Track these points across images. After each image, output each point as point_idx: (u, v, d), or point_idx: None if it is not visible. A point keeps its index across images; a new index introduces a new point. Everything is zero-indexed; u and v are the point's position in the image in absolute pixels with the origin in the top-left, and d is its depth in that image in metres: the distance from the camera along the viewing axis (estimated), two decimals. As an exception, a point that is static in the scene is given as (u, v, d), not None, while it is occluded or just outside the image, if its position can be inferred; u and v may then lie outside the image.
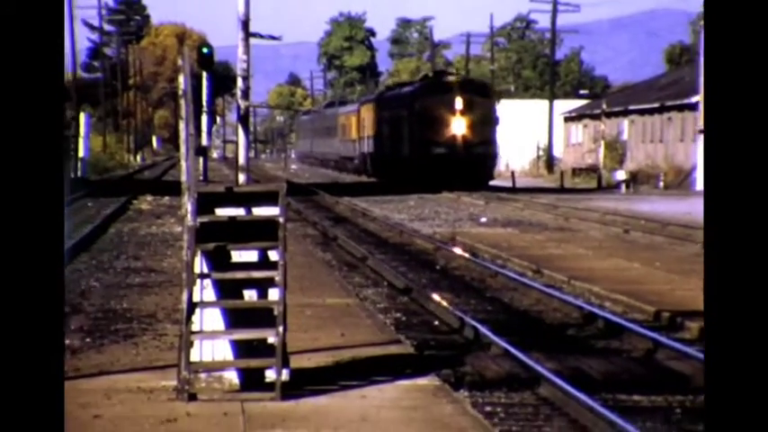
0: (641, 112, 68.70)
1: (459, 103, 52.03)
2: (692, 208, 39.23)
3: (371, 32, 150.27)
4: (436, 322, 14.96)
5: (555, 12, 75.87)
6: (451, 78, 56.33)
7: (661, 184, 58.76)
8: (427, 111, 52.64)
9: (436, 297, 16.69)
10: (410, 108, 54.37)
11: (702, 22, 65.10)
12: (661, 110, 65.64)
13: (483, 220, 32.98)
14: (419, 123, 52.79)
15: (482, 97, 53.44)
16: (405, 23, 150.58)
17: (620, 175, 58.22)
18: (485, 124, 52.45)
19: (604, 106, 68.73)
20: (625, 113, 70.30)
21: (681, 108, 62.99)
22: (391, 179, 57.25)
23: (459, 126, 51.88)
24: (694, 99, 60.72)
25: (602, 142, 66.18)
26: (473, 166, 51.25)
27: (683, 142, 62.52)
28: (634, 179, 57.84)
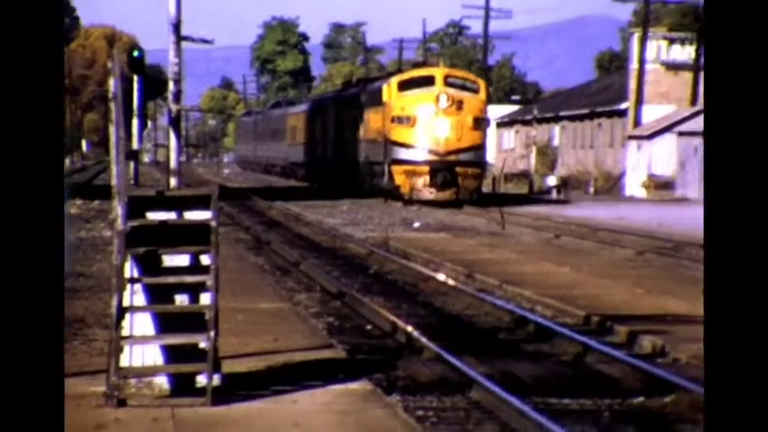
0: (572, 118, 69.29)
1: (443, 100, 42.63)
2: (621, 213, 39.65)
3: (304, 37, 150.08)
4: (369, 326, 14.96)
5: (487, 18, 76.33)
6: (435, 70, 45.29)
7: (591, 189, 59.29)
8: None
9: (369, 301, 16.68)
10: (382, 105, 44.50)
11: (632, 29, 65.78)
12: (591, 116, 66.25)
13: (416, 224, 33.07)
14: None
15: (472, 93, 43.59)
16: (338, 28, 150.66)
17: (552, 180, 58.68)
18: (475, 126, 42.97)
19: (536, 112, 69.26)
20: (556, 119, 70.87)
21: (610, 114, 63.61)
22: (345, 192, 48.38)
23: (443, 128, 42.46)
24: (623, 105, 61.37)
25: (534, 148, 66.71)
26: (459, 175, 42.19)
27: (612, 148, 63.12)
28: (565, 184, 58.33)
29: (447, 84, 42.94)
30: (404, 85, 43.66)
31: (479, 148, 42.96)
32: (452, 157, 42.09)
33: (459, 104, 42.29)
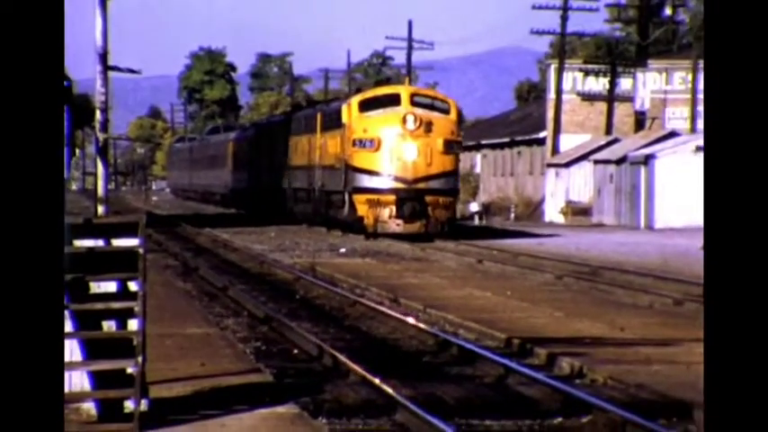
0: (493, 147, 69.82)
1: (411, 121, 37.34)
2: (541, 239, 39.92)
3: (232, 67, 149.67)
4: (296, 351, 14.89)
5: (410, 49, 76.72)
6: (400, 88, 39.90)
7: (512, 215, 59.71)
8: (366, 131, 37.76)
9: (296, 326, 16.62)
10: (341, 128, 39.08)
11: (549, 61, 66.50)
12: (511, 144, 66.80)
13: (342, 250, 33.03)
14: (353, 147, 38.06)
15: (442, 114, 38.42)
16: (265, 58, 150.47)
17: (474, 206, 59.02)
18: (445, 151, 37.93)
19: (458, 140, 69.57)
20: (477, 147, 71.35)
21: (529, 143, 64.19)
22: (313, 223, 43.67)
23: (410, 152, 37.21)
24: (542, 134, 61.95)
25: (457, 175, 66.94)
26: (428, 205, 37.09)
27: (532, 175, 63.68)
28: (487, 210, 58.69)
29: (414, 103, 37.77)
30: (366, 105, 38.24)
31: (451, 174, 37.87)
32: (422, 185, 36.98)
33: (428, 126, 37.11)
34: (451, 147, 37.57)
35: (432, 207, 36.90)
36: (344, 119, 38.61)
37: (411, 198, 36.79)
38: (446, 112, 38.21)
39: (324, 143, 41.84)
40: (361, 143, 37.64)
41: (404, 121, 37.10)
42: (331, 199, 40.58)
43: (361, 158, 37.58)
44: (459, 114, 39.07)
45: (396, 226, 36.72)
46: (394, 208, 36.75)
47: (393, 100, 37.98)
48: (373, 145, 37.38)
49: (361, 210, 37.21)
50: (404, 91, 38.69)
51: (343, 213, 38.38)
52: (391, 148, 37.13)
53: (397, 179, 36.99)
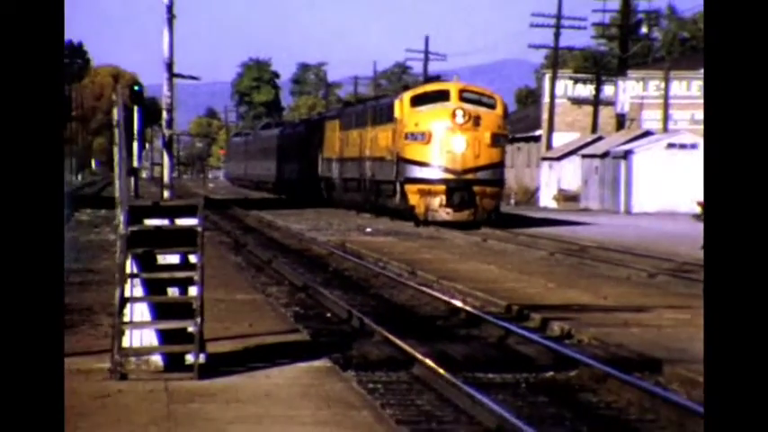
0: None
1: (460, 115, 34.12)
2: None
3: (276, 74, 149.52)
4: (329, 314, 14.91)
5: (426, 60, 76.58)
6: (449, 85, 36.14)
7: (513, 201, 59.54)
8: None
9: (329, 293, 16.64)
10: (393, 122, 36.14)
11: (544, 71, 66.14)
12: (512, 141, 66.49)
13: (368, 230, 32.97)
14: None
15: (489, 109, 35.07)
16: (304, 67, 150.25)
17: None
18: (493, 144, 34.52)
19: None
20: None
21: (527, 140, 64.01)
22: (362, 210, 40.47)
23: (460, 145, 34.07)
24: (538, 132, 61.75)
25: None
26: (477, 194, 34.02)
27: (529, 167, 63.50)
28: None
29: (462, 99, 34.61)
30: (417, 101, 35.21)
31: (498, 165, 34.64)
32: (470, 176, 33.80)
33: (476, 120, 33.97)
34: (498, 140, 34.68)
35: (480, 196, 34.00)
36: (397, 113, 35.66)
37: (460, 188, 33.86)
38: (492, 107, 35.09)
39: (374, 136, 39.02)
40: (412, 136, 34.67)
41: (453, 115, 34.07)
42: (381, 188, 37.94)
43: (412, 150, 34.60)
44: (506, 109, 36.32)
45: (445, 214, 33.85)
46: (444, 197, 33.84)
47: (443, 95, 35.01)
48: (424, 138, 34.42)
49: (413, 199, 34.38)
50: (453, 87, 35.50)
51: (395, 202, 35.68)
52: (441, 141, 34.07)
53: (446, 170, 33.99)
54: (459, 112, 34.03)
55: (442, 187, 33.87)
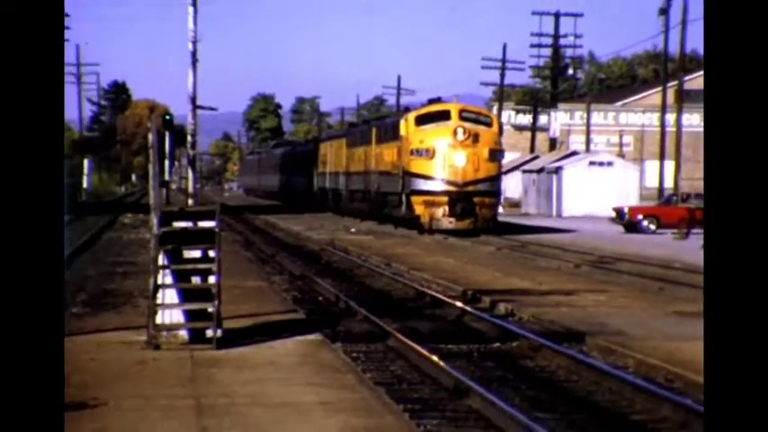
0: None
1: (461, 133, 31.16)
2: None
3: (279, 105, 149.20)
4: (320, 298, 14.91)
5: (399, 94, 76.83)
6: (450, 105, 32.95)
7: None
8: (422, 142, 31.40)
9: (320, 281, 16.62)
10: (398, 139, 32.87)
11: (492, 103, 66.34)
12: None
13: (353, 230, 32.89)
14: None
15: (486, 127, 32.08)
16: (301, 100, 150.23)
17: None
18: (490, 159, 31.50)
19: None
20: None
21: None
22: (367, 218, 36.95)
23: (461, 160, 31.04)
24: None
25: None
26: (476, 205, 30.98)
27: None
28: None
29: (462, 118, 31.82)
30: (421, 120, 32.38)
31: (495, 178, 31.81)
32: (470, 188, 30.99)
33: (475, 137, 31.17)
34: (495, 155, 31.90)
35: (479, 206, 31.18)
36: (402, 132, 32.67)
37: (461, 199, 31.05)
38: (489, 125, 32.34)
39: (380, 152, 35.88)
40: (417, 152, 31.76)
41: (454, 133, 31.28)
42: (387, 199, 34.64)
43: (417, 165, 31.65)
44: (500, 127, 34.09)
45: (448, 223, 30.98)
46: (447, 207, 31.02)
47: (444, 115, 32.11)
48: (428, 154, 31.55)
49: (419, 209, 31.43)
50: (453, 108, 32.56)
51: (401, 212, 32.63)
52: (444, 157, 31.16)
53: (449, 183, 31.11)
54: (460, 130, 31.51)
55: (446, 198, 31.29)
